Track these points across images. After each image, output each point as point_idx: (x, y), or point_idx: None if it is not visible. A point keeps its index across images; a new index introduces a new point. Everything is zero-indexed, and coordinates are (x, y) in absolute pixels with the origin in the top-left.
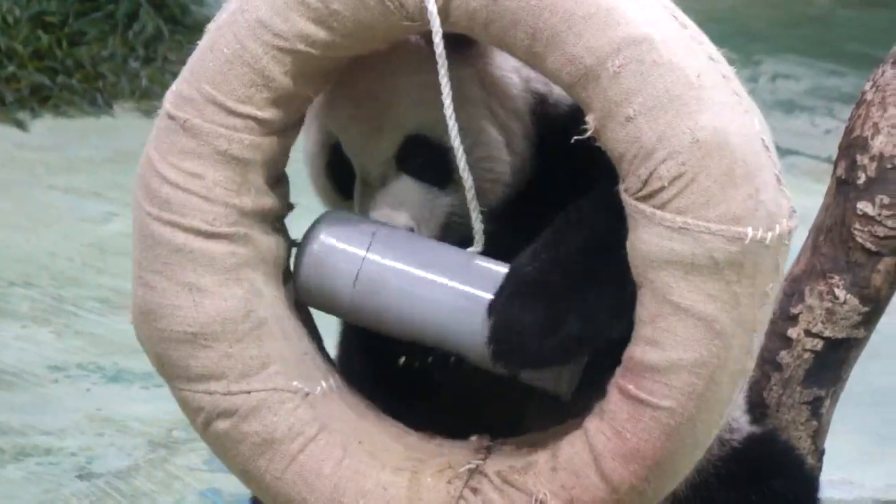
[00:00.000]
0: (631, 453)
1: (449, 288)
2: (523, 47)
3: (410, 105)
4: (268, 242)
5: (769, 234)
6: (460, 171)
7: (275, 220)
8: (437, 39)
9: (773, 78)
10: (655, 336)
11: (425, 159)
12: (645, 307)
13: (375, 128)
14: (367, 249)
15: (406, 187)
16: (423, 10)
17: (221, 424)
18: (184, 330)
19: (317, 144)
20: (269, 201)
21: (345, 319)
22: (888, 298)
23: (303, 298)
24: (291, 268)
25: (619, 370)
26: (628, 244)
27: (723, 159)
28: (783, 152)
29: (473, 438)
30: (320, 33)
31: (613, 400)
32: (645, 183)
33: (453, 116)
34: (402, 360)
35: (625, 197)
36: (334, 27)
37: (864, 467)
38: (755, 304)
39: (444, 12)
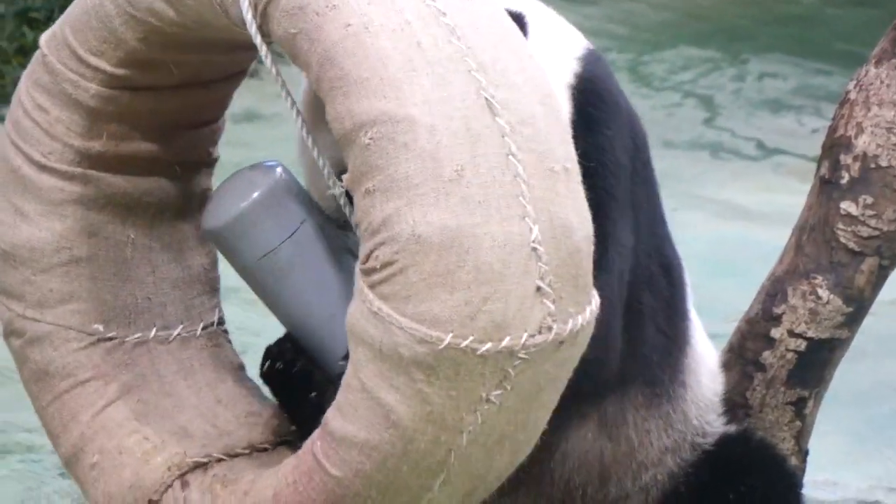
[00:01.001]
0: None
1: (334, 302)
2: (315, 90)
3: None
4: (129, 185)
5: (486, 346)
6: (326, 180)
7: (167, 167)
8: (264, 52)
9: (760, 77)
10: (343, 405)
11: None
12: (346, 374)
13: None
14: (290, 236)
15: None
16: (244, 22)
17: (14, 341)
18: (0, 245)
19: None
20: (146, 148)
21: (236, 271)
22: (872, 299)
23: (204, 234)
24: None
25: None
26: (348, 310)
27: (441, 259)
28: (769, 152)
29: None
30: (168, 12)
31: (304, 450)
32: (367, 259)
33: (302, 124)
34: (268, 364)
35: (356, 265)
36: (181, 11)
37: (847, 468)
38: (459, 406)
39: (265, 31)
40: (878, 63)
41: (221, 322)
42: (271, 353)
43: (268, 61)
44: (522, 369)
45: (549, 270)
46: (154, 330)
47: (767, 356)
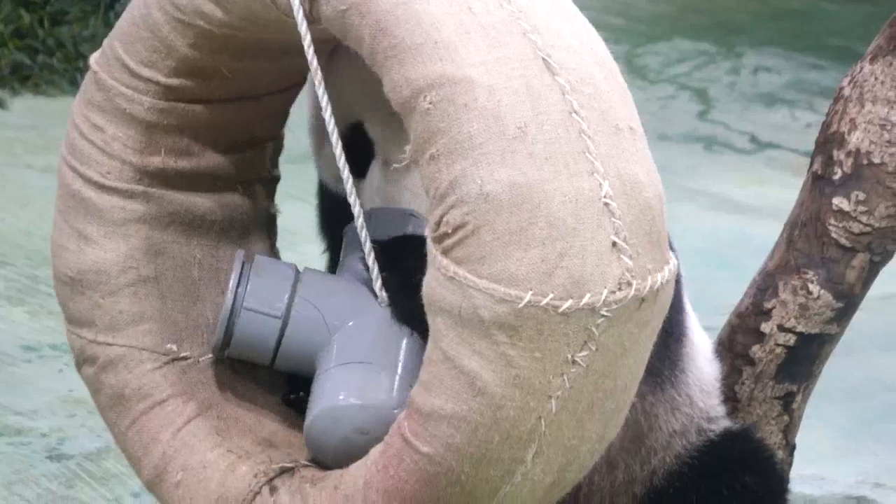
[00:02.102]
0: (391, 491)
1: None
2: (369, 64)
3: None
4: (192, 204)
5: (566, 303)
6: (339, 168)
7: (225, 185)
8: (306, 43)
9: (755, 71)
10: (427, 380)
11: None
12: (428, 349)
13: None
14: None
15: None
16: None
17: (87, 369)
18: (66, 272)
19: (336, 120)
20: (208, 164)
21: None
22: (862, 295)
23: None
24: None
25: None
26: (424, 281)
27: (513, 217)
28: (763, 145)
29: None
30: (217, 12)
31: (392, 434)
32: (438, 225)
33: (329, 110)
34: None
35: (427, 233)
36: (229, 9)
37: (835, 463)
38: (545, 369)
39: (315, 15)
40: (872, 60)
41: None
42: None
43: (308, 47)
44: (606, 328)
45: (623, 226)
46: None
47: (757, 350)
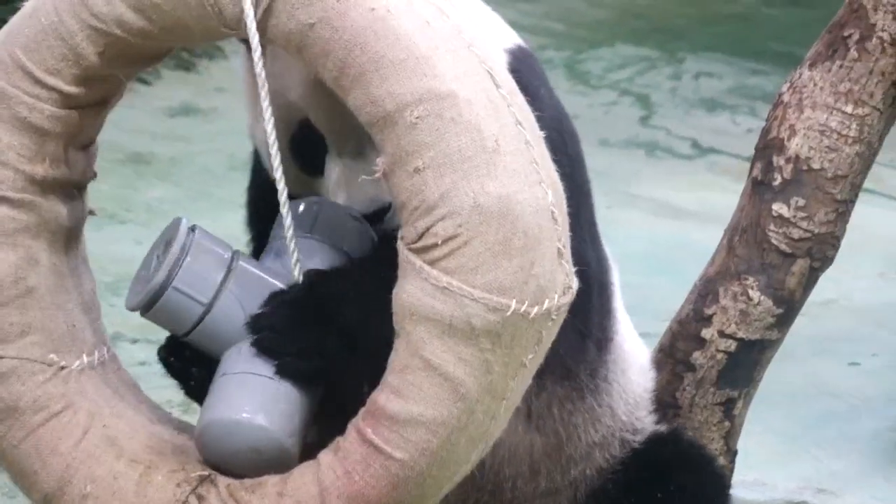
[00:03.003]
0: (355, 496)
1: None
2: (331, 77)
3: None
4: (56, 210)
5: (535, 309)
6: (273, 172)
7: (70, 189)
8: (256, 58)
9: (697, 76)
10: (401, 387)
11: None
12: (398, 356)
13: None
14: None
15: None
16: (240, 21)
17: None
18: None
19: (278, 122)
20: (66, 171)
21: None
22: (802, 300)
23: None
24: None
25: (361, 412)
26: (394, 291)
27: (501, 228)
28: (704, 150)
29: None
30: (139, 22)
31: (350, 440)
32: (420, 236)
33: (272, 122)
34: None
35: (399, 245)
36: (153, 19)
37: (776, 468)
38: (509, 373)
39: (262, 28)
40: (812, 65)
41: (110, 346)
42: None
43: (257, 58)
44: (549, 330)
45: (562, 233)
46: (85, 356)
47: (698, 356)
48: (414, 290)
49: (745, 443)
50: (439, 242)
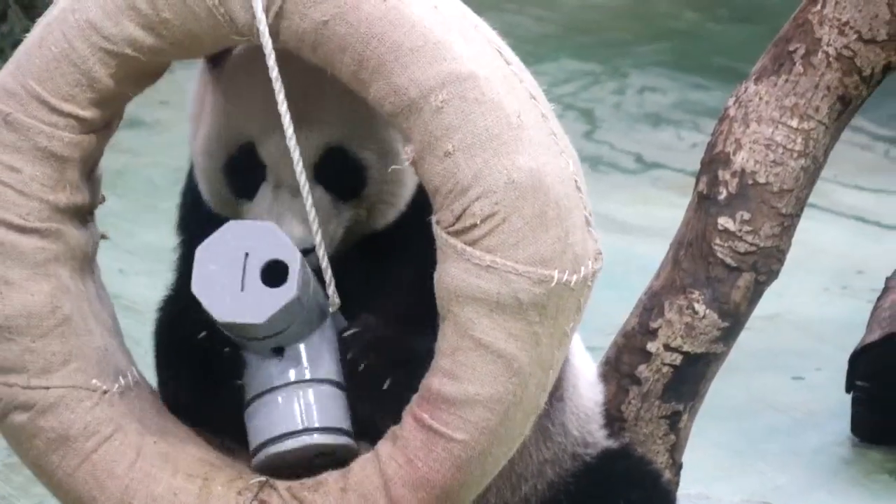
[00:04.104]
0: (420, 482)
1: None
2: (349, 73)
3: (338, 115)
4: (78, 237)
5: (574, 277)
6: (304, 197)
7: (86, 215)
8: (271, 63)
9: (640, 91)
10: (454, 369)
11: (342, 172)
12: (447, 339)
13: (299, 132)
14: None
15: (318, 198)
16: (252, 27)
17: (18, 417)
18: None
19: (219, 140)
20: (82, 197)
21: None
22: (747, 314)
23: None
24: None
25: (415, 398)
26: (436, 276)
27: (536, 201)
28: (649, 165)
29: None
30: (149, 39)
31: (408, 428)
32: (458, 218)
33: (294, 138)
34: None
35: (436, 229)
36: (163, 35)
37: (721, 482)
38: (554, 344)
39: (273, 32)
40: (757, 80)
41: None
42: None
43: (272, 64)
44: (586, 298)
45: (587, 201)
46: (121, 378)
47: (643, 370)
48: (458, 272)
49: (690, 456)
50: (478, 222)
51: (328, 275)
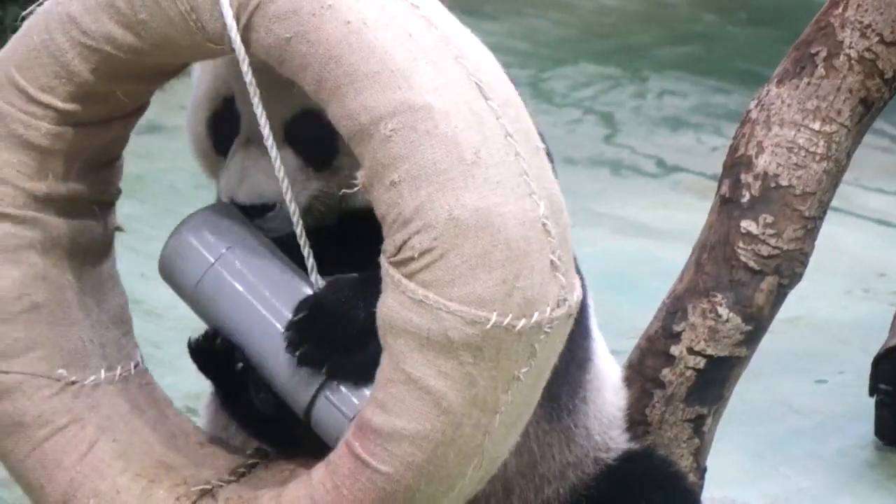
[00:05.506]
0: None
1: (270, 320)
2: (311, 91)
3: None
4: (66, 227)
5: (521, 322)
6: (276, 174)
7: (88, 206)
8: (245, 68)
9: (660, 94)
10: (385, 401)
11: (314, 137)
12: (382, 370)
13: (276, 87)
14: (216, 260)
15: (286, 159)
16: (223, 36)
17: None
18: None
19: (208, 92)
20: (75, 188)
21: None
22: (770, 317)
23: (162, 276)
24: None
25: (351, 425)
26: (378, 304)
27: (479, 241)
28: (669, 169)
29: (249, 451)
30: (128, 38)
31: (339, 454)
32: (399, 249)
33: (258, 94)
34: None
35: (382, 259)
36: (142, 35)
37: (744, 485)
38: (498, 386)
39: (245, 42)
40: (779, 83)
41: (142, 360)
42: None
43: (246, 69)
44: (544, 344)
45: (556, 244)
46: (103, 371)
47: (667, 374)
48: (393, 304)
49: (713, 460)
50: (416, 255)
51: (299, 227)
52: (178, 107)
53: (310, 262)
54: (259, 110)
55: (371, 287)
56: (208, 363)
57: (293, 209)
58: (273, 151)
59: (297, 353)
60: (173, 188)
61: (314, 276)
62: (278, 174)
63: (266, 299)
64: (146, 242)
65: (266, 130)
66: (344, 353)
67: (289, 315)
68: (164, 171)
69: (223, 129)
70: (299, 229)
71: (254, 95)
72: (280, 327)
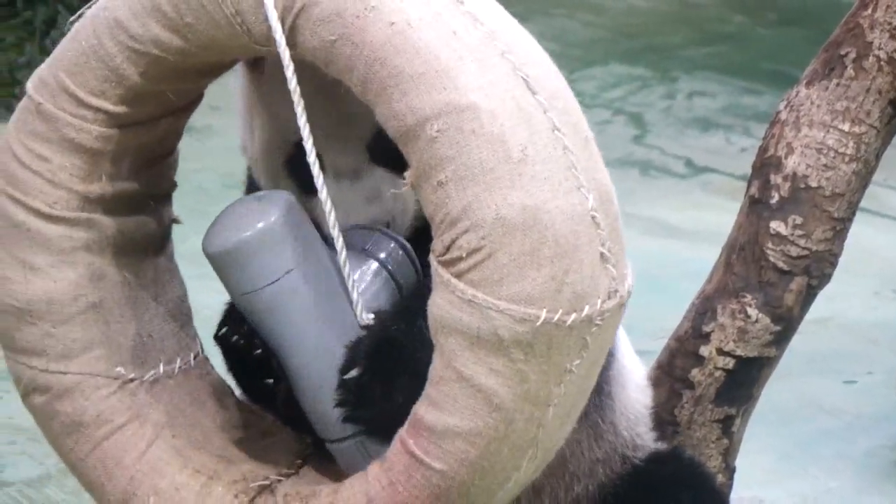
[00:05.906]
0: None
1: (318, 353)
2: (358, 92)
3: None
4: (121, 225)
5: (572, 317)
6: (315, 182)
7: (144, 201)
8: (290, 74)
9: (690, 95)
10: (438, 398)
11: (395, 149)
12: (435, 368)
13: (345, 116)
14: (279, 279)
15: (380, 179)
16: (269, 38)
17: (37, 399)
18: (11, 303)
19: (271, 143)
20: (130, 186)
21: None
22: (800, 318)
23: (211, 259)
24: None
25: (406, 423)
26: (428, 303)
27: (526, 239)
28: (698, 170)
29: (308, 439)
30: (175, 41)
31: (394, 451)
32: (447, 249)
33: (310, 139)
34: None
35: (431, 258)
36: (189, 38)
37: (773, 486)
38: (549, 380)
39: (291, 45)
40: (808, 84)
41: (202, 349)
42: (228, 321)
43: (290, 73)
44: (596, 336)
45: (606, 236)
46: (161, 366)
47: (696, 374)
48: (443, 303)
49: (742, 461)
50: (464, 255)
51: (342, 255)
52: (209, 107)
53: (354, 294)
54: (303, 120)
55: (419, 321)
56: (237, 363)
57: (340, 245)
58: (315, 169)
59: (344, 412)
60: (201, 188)
61: (359, 309)
62: (325, 207)
63: (318, 331)
64: (176, 243)
65: (308, 142)
66: (390, 420)
67: (338, 349)
68: (194, 172)
69: (304, 171)
70: (342, 257)
71: (297, 104)
72: (326, 362)
